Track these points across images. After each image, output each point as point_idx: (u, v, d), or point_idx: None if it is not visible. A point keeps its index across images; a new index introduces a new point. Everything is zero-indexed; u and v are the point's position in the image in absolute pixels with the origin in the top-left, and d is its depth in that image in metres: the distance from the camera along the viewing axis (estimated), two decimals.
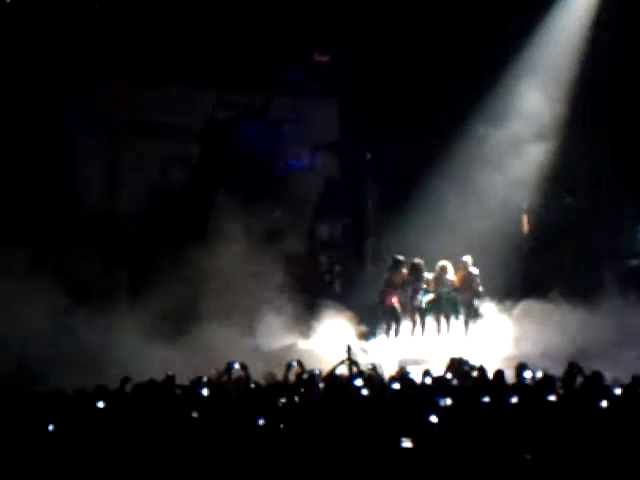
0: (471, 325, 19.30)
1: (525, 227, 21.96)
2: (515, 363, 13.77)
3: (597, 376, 11.97)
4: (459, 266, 19.39)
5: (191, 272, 19.16)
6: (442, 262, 19.35)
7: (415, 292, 19.35)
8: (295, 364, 13.84)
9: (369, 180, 22.62)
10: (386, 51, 21.63)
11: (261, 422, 9.95)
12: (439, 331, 19.37)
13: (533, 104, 20.84)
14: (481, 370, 13.10)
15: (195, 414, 10.34)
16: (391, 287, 19.36)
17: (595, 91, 21.13)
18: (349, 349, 17.27)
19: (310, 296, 20.43)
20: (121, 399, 11.26)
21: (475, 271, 19.27)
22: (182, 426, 10.06)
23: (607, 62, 20.90)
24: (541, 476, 8.90)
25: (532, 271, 21.06)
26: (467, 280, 19.29)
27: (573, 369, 12.71)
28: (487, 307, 19.47)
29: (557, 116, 21.07)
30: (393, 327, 19.30)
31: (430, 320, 19.49)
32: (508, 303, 19.70)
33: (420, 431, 9.85)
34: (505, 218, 21.12)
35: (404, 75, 21.70)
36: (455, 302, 19.30)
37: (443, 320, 19.42)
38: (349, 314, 19.65)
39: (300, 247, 20.59)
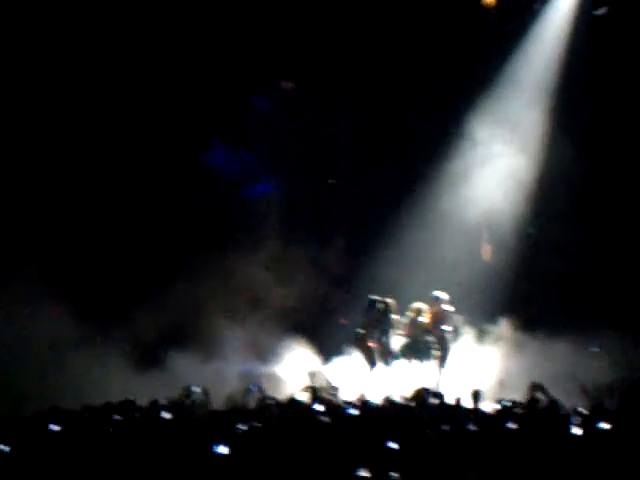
0: (446, 362, 18.90)
1: (486, 254, 21.97)
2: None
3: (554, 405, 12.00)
4: (432, 303, 19.05)
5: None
6: (416, 304, 19.05)
7: (382, 333, 18.99)
8: (255, 389, 13.76)
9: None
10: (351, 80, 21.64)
11: (219, 449, 9.85)
12: (415, 374, 18.75)
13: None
14: (441, 398, 13.09)
15: (152, 437, 10.23)
16: (366, 328, 19.02)
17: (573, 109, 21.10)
18: (312, 375, 17.25)
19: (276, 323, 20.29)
20: (77, 422, 11.11)
21: (449, 308, 18.98)
22: (139, 448, 9.95)
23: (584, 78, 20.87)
24: None
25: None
26: (440, 318, 18.93)
27: (537, 391, 12.80)
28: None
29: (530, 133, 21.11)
30: (372, 369, 18.92)
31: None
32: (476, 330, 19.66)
33: (379, 457, 9.82)
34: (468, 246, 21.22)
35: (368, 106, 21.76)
36: (428, 347, 18.87)
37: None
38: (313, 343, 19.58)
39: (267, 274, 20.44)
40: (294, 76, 22.20)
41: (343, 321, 20.73)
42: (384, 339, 18.94)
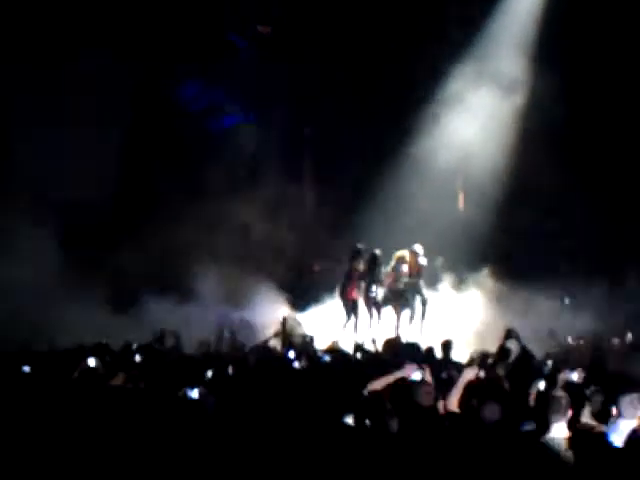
0: (424, 312, 18.94)
1: (460, 204, 21.98)
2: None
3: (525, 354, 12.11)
4: (410, 254, 18.97)
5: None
6: (400, 252, 18.95)
7: (371, 284, 18.88)
8: (228, 334, 13.81)
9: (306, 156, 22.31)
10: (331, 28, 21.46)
11: (191, 393, 9.85)
12: (397, 324, 18.86)
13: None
14: (413, 347, 13.18)
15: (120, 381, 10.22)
16: (352, 279, 18.92)
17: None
18: (284, 321, 17.30)
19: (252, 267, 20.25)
20: (49, 363, 11.10)
21: (423, 261, 18.92)
22: (105, 392, 9.95)
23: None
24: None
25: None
26: (415, 271, 18.91)
27: (510, 337, 12.93)
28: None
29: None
30: (353, 321, 18.84)
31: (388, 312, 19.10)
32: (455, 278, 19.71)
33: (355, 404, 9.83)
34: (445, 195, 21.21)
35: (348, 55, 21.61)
36: (409, 294, 18.88)
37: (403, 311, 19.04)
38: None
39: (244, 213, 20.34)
40: (272, 20, 22.00)
41: (317, 268, 20.73)
42: (372, 290, 18.82)
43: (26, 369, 10.54)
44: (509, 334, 13.27)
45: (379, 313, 18.93)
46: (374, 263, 18.85)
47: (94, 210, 20.29)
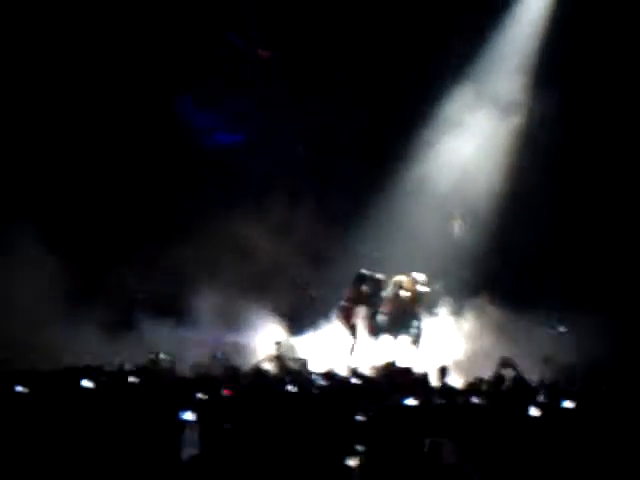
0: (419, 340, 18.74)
1: (456, 228, 21.97)
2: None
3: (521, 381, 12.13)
4: (410, 282, 18.82)
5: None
6: (398, 277, 18.82)
7: (374, 310, 18.68)
8: (221, 357, 13.78)
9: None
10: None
11: (185, 415, 9.85)
12: (395, 350, 18.39)
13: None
14: (408, 372, 13.19)
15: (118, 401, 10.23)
16: (352, 303, 18.74)
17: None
18: (279, 345, 17.25)
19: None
20: (43, 384, 11.08)
21: (424, 289, 18.83)
22: (104, 413, 9.96)
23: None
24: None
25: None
26: (415, 299, 18.77)
27: (506, 366, 12.96)
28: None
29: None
30: (352, 344, 18.55)
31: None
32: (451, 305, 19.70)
33: (347, 429, 9.85)
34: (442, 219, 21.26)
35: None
36: (408, 324, 18.71)
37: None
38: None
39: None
40: (269, 42, 22.06)
41: (314, 294, 20.65)
42: (375, 317, 18.62)
43: (19, 389, 10.51)
44: (504, 362, 13.29)
45: (376, 339, 18.69)
46: (378, 288, 18.72)
47: (90, 231, 20.26)
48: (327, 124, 21.76)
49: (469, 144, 21.04)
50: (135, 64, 20.79)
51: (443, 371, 13.78)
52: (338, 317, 18.84)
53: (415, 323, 18.68)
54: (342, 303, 18.86)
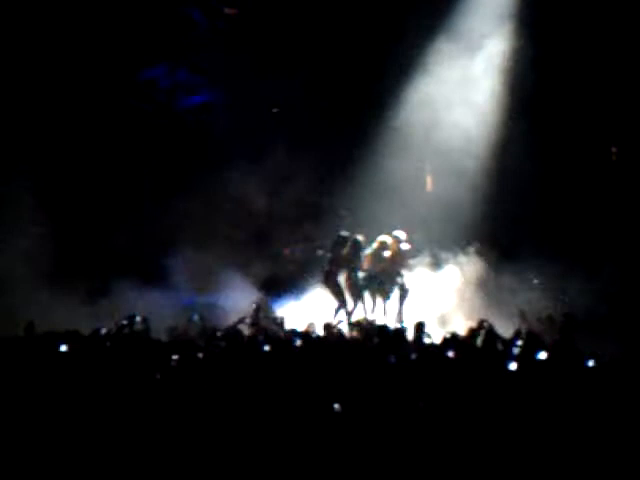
0: (402, 300, 18.60)
1: (428, 186, 21.97)
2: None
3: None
4: (393, 241, 18.72)
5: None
6: (382, 237, 18.72)
7: (353, 270, 18.57)
8: (196, 318, 13.78)
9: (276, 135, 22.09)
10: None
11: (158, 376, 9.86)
12: (373, 309, 18.63)
13: None
14: (383, 329, 13.22)
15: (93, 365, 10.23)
16: (336, 265, 18.63)
17: None
18: (256, 305, 17.27)
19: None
20: (21, 349, 11.09)
21: (406, 247, 18.70)
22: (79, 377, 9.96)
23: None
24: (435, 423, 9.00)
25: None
26: (398, 257, 18.65)
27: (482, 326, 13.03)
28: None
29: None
30: (342, 308, 18.52)
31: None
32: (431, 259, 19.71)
33: (324, 388, 9.87)
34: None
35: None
36: (388, 281, 18.55)
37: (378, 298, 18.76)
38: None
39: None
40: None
41: (286, 251, 20.69)
42: (354, 276, 18.53)
43: None
44: (481, 325, 13.34)
45: (360, 298, 18.67)
46: (357, 249, 18.63)
47: (67, 199, 20.18)
48: (299, 83, 21.68)
49: (446, 93, 20.92)
50: (103, 31, 20.64)
51: (419, 327, 13.81)
52: (323, 282, 18.78)
53: (399, 280, 18.63)
54: (325, 268, 18.80)
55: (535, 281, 19.31)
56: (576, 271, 18.54)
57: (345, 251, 18.63)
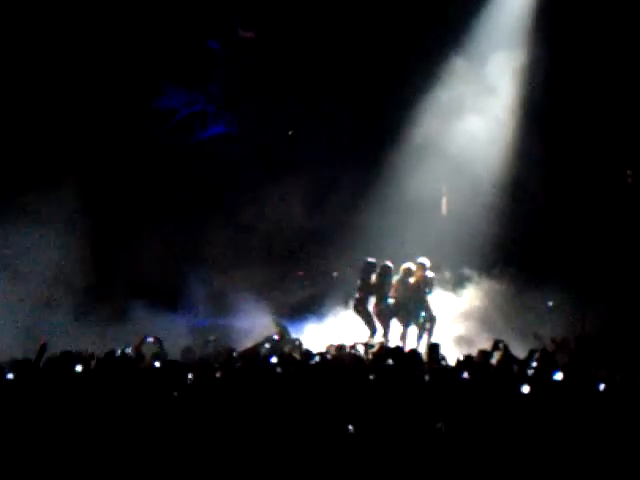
0: (431, 329, 18.47)
1: (444, 209, 21.98)
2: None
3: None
4: (417, 267, 18.58)
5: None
6: (406, 265, 18.56)
7: (383, 296, 18.47)
8: (212, 341, 13.80)
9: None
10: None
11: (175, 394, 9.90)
12: (403, 336, 18.45)
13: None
14: (398, 350, 13.24)
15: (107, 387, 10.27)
16: (364, 292, 18.54)
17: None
18: (277, 323, 17.27)
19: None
20: (33, 371, 11.14)
21: (430, 274, 18.57)
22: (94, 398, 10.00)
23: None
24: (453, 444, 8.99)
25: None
26: (423, 284, 18.53)
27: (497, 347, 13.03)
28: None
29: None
30: (372, 335, 18.33)
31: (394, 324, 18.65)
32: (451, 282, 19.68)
33: (336, 410, 9.88)
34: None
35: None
36: (414, 308, 18.46)
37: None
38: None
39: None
40: (251, 22, 21.99)
41: (300, 273, 20.72)
42: (383, 303, 18.41)
43: (10, 376, 10.57)
44: (496, 345, 13.34)
45: (388, 325, 18.52)
46: (385, 275, 18.51)
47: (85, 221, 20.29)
48: (315, 110, 21.78)
49: (461, 109, 20.98)
50: (121, 55, 20.81)
51: (432, 349, 13.83)
52: (354, 309, 18.68)
53: (426, 308, 18.43)
54: (355, 295, 18.71)
55: (550, 303, 19.27)
56: (593, 294, 18.52)
57: (374, 278, 18.54)
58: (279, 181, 21.11)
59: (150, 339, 13.35)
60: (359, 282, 18.67)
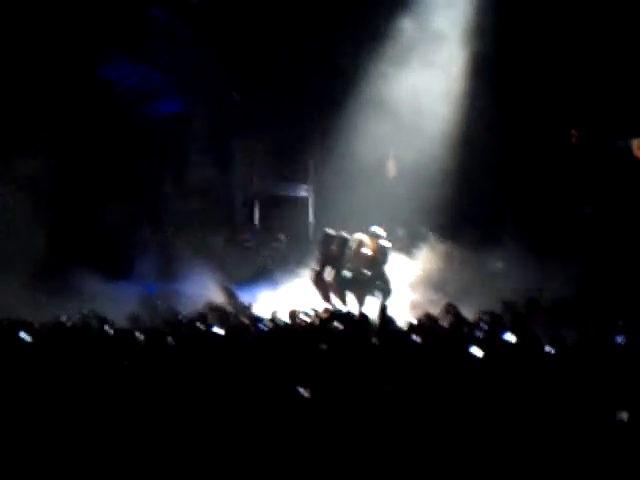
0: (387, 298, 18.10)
1: (390, 172, 21.94)
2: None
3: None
4: (370, 238, 18.31)
5: None
6: (357, 235, 18.34)
7: (340, 268, 18.22)
8: (160, 307, 13.73)
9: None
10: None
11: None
12: (360, 307, 17.95)
13: None
14: (347, 315, 13.24)
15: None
16: (322, 264, 18.29)
17: None
18: (225, 289, 17.17)
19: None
20: None
21: (385, 244, 18.32)
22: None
23: None
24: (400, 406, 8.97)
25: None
26: (377, 254, 18.26)
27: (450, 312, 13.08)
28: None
29: None
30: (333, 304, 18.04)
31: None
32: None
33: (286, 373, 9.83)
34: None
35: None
36: (370, 279, 18.18)
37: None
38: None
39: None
40: None
41: (244, 236, 20.59)
42: (341, 275, 18.17)
43: None
44: (448, 309, 13.36)
45: (344, 298, 18.27)
46: (345, 246, 18.27)
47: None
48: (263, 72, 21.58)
49: (408, 76, 20.75)
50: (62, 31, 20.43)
51: (383, 312, 13.82)
52: (312, 281, 18.41)
53: (382, 279, 18.23)
54: (313, 267, 18.50)
55: (499, 264, 19.34)
56: (543, 255, 18.56)
57: (333, 249, 18.35)
58: (225, 146, 20.96)
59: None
60: (318, 253, 18.52)
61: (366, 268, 18.14)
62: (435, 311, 13.95)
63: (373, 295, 18.18)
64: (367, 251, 18.19)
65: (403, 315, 14.73)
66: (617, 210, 20.09)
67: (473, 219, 20.55)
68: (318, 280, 18.28)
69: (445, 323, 12.98)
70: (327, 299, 18.16)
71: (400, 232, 20.03)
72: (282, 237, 21.33)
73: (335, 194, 20.55)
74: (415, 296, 18.24)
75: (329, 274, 18.25)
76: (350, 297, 18.26)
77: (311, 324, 13.98)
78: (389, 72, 20.78)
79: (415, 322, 12.86)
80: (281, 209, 21.22)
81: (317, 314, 15.08)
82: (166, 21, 21.66)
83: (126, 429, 8.73)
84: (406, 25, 20.77)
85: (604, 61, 20.28)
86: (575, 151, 21.28)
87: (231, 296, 17.44)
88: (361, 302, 18.14)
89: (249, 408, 8.89)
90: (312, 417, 8.80)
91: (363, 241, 18.23)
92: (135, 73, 21.65)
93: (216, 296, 16.87)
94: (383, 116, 20.61)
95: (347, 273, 18.20)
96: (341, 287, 18.21)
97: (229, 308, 15.95)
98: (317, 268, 18.34)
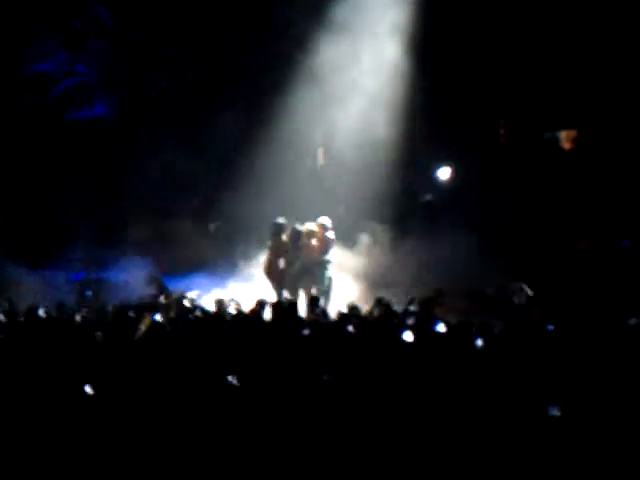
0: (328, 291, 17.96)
1: (321, 160, 21.97)
2: None
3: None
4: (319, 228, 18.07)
5: None
6: (308, 226, 18.03)
7: (294, 259, 17.94)
8: (91, 296, 13.65)
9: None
10: None
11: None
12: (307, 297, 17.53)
13: None
14: (278, 305, 13.26)
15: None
16: (276, 254, 17.97)
17: None
18: (154, 278, 17.05)
19: None
20: None
21: (331, 236, 18.05)
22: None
23: None
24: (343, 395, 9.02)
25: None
26: (324, 245, 17.99)
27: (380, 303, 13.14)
28: None
29: None
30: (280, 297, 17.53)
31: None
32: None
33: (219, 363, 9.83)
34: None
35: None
36: (319, 271, 17.88)
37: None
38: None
39: None
40: None
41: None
42: (293, 266, 17.91)
43: None
44: (378, 303, 13.39)
45: (295, 289, 17.92)
46: (296, 238, 17.95)
47: None
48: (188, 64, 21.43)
49: (340, 59, 20.55)
50: None
51: (313, 302, 13.85)
52: (265, 272, 18.16)
53: (327, 273, 17.96)
54: (265, 257, 18.25)
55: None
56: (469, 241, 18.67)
57: (285, 239, 18.11)
58: (153, 128, 20.86)
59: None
60: (269, 243, 18.28)
61: (314, 259, 17.96)
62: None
63: (322, 287, 17.86)
64: (314, 242, 18.03)
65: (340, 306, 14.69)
66: (544, 200, 20.34)
67: (411, 211, 20.70)
68: (269, 270, 18.08)
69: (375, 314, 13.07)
70: (277, 290, 17.92)
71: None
72: (211, 226, 21.31)
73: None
74: (357, 287, 18.25)
75: (282, 264, 18.01)
76: (299, 288, 18.00)
77: (239, 313, 13.96)
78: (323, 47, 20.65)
79: (345, 311, 12.94)
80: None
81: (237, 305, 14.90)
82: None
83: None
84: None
85: (530, 53, 20.47)
86: (504, 144, 21.51)
87: (161, 287, 17.28)
88: (308, 293, 17.68)
89: (178, 398, 8.87)
90: (242, 406, 8.80)
91: (313, 232, 18.06)
92: (70, 71, 21.38)
93: (146, 286, 16.72)
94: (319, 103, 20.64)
95: (298, 264, 18.01)
96: (292, 279, 17.95)
97: (160, 299, 15.81)
98: (268, 258, 18.14)
